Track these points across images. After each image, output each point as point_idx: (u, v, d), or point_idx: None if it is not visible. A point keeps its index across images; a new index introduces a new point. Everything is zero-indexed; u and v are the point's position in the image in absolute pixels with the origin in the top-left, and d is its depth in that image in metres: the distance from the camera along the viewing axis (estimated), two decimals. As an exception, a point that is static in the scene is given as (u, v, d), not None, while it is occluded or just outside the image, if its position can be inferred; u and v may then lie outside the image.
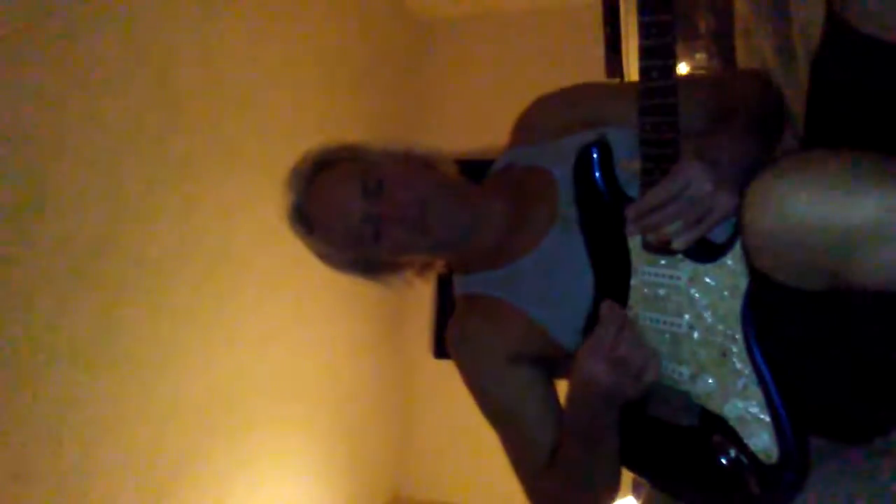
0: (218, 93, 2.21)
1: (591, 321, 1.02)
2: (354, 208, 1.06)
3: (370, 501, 3.21)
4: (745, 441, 0.86)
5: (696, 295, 0.89)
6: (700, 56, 2.22)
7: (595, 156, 0.98)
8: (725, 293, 0.86)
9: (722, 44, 2.16)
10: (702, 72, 2.21)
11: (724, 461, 0.89)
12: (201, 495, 2.16)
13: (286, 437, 2.60)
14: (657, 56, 0.83)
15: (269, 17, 2.46)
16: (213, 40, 2.19)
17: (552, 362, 1.09)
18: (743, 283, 0.85)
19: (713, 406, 0.89)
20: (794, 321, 0.86)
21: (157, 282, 1.98)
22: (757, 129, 0.94)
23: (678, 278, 0.91)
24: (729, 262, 0.86)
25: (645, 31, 0.83)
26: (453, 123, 3.42)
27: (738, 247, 0.84)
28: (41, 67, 1.63)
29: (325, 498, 2.84)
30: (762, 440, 0.85)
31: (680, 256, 0.90)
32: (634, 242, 0.94)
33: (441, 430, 3.35)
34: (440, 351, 3.23)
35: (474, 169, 1.19)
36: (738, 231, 0.84)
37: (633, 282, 0.96)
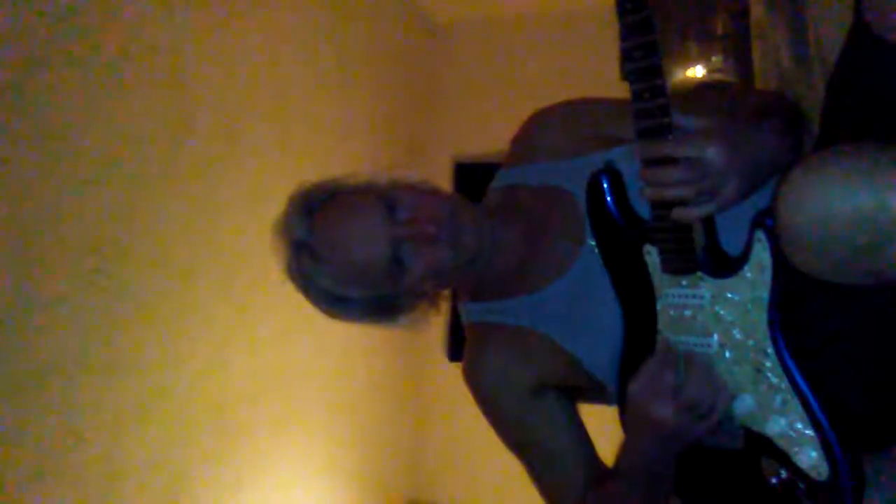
0: (232, 95, 2.25)
1: (626, 350, 1.00)
2: (380, 234, 0.97)
3: (382, 505, 3.18)
4: (793, 459, 0.82)
5: (721, 312, 0.86)
6: (716, 59, 2.18)
7: (605, 184, 0.97)
8: (749, 306, 0.84)
9: (738, 46, 2.12)
10: (719, 76, 2.17)
11: (774, 483, 0.85)
12: (215, 497, 2.18)
13: (299, 439, 2.61)
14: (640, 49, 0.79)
15: (284, 21, 2.51)
16: (227, 43, 2.23)
17: (576, 389, 1.06)
18: (765, 293, 0.82)
19: (756, 426, 0.86)
20: (822, 326, 0.82)
21: (175, 285, 2.03)
22: (784, 132, 0.92)
23: (701, 297, 0.88)
24: (748, 274, 0.83)
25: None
26: (466, 126, 3.43)
27: (754, 258, 0.82)
28: (55, 70, 1.68)
29: (338, 501, 2.83)
30: (810, 457, 0.81)
31: (700, 274, 0.88)
32: (654, 266, 0.92)
33: (454, 434, 3.28)
34: (454, 354, 3.20)
35: (476, 173, 1.11)
36: (751, 242, 0.82)
37: (658, 306, 0.93)
